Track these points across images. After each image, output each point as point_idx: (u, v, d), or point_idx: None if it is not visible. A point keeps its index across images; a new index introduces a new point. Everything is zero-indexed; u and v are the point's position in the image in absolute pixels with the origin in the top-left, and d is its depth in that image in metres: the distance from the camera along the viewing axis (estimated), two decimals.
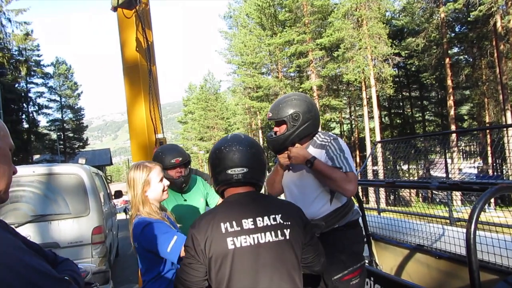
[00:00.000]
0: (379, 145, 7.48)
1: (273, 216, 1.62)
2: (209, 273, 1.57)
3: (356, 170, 2.64)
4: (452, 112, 29.05)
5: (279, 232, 1.60)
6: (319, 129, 2.58)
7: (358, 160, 36.01)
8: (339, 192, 2.36)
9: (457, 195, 5.55)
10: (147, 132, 5.18)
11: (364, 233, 3.80)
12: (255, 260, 1.56)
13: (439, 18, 28.71)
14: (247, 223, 1.59)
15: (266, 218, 1.61)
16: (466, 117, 36.48)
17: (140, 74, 5.13)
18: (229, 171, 1.68)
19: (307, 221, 1.74)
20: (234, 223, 1.58)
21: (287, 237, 1.61)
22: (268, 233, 1.59)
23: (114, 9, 4.78)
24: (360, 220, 2.89)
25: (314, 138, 2.51)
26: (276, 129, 2.52)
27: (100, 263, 5.09)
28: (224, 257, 1.53)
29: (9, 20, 38.72)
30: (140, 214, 2.16)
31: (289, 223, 1.63)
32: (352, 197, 2.73)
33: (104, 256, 5.29)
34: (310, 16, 33.71)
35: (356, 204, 3.42)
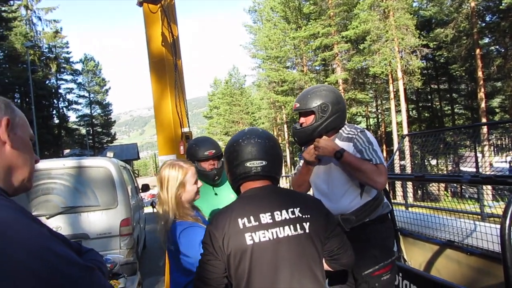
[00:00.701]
0: (406, 138, 7.33)
1: (292, 209, 1.58)
2: (229, 270, 1.54)
3: None
4: (483, 105, 28.14)
5: (298, 225, 1.56)
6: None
7: (385, 154, 35.46)
8: (369, 185, 2.31)
9: (488, 189, 5.39)
10: (173, 126, 5.23)
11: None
12: (275, 255, 1.52)
13: (469, 8, 27.82)
14: (265, 218, 1.55)
15: (284, 211, 1.57)
16: (497, 110, 35.23)
17: (166, 68, 5.17)
18: (247, 164, 1.65)
19: (327, 212, 1.69)
20: (251, 218, 1.54)
21: (307, 231, 1.56)
22: (287, 227, 1.55)
23: (140, 3, 4.83)
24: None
25: (340, 131, 2.46)
26: (302, 120, 2.47)
27: (128, 255, 5.19)
28: (243, 253, 1.50)
29: (39, 19, 39.93)
30: (175, 217, 2.12)
31: (308, 216, 1.59)
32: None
33: (132, 247, 5.39)
34: (335, 8, 33.26)
35: None
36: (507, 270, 1.94)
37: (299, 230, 1.55)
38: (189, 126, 5.07)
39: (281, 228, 1.54)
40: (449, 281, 2.81)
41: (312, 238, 1.57)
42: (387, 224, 2.51)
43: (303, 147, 2.57)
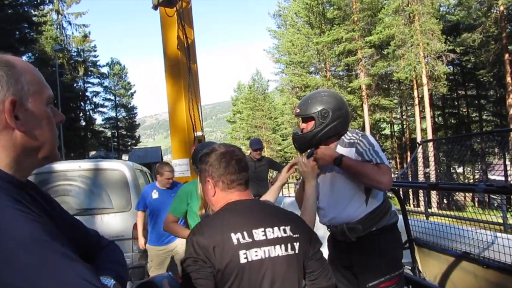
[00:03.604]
0: (430, 145, 7.09)
1: (284, 227, 1.49)
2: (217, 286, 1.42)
3: (398, 172, 2.48)
4: (511, 112, 27.39)
5: (289, 245, 1.47)
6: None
7: (409, 161, 34.71)
8: (373, 187, 2.23)
9: None
10: (187, 130, 5.23)
11: (406, 237, 3.62)
12: (264, 275, 1.42)
13: (497, 12, 27.15)
14: (258, 234, 1.44)
15: (276, 229, 1.48)
16: None
17: (181, 72, 5.20)
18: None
19: (313, 232, 1.63)
20: (245, 233, 1.42)
21: (297, 251, 1.48)
22: (278, 246, 1.45)
23: (155, 7, 4.88)
24: (400, 223, 2.73)
25: (342, 137, 2.39)
26: (303, 125, 2.42)
27: (140, 259, 5.18)
28: (236, 272, 1.39)
29: (69, 23, 41.15)
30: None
31: (298, 235, 1.50)
32: (390, 199, 2.58)
33: (144, 251, 5.38)
34: (359, 13, 32.97)
35: (396, 206, 3.24)
36: None
37: (289, 250, 1.47)
38: (202, 130, 5.06)
39: (273, 247, 1.45)
40: None
41: (299, 259, 1.50)
42: (395, 234, 2.41)
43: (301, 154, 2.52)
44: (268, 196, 2.29)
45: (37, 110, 0.89)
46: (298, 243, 1.49)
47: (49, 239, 0.74)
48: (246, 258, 1.40)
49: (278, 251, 1.45)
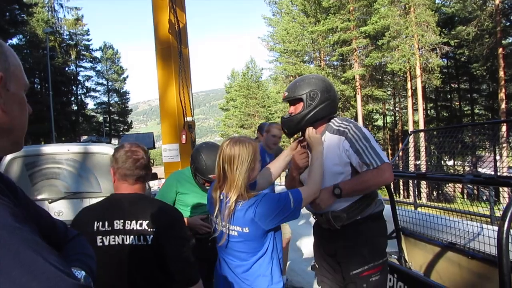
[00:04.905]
0: (421, 136, 7.12)
1: (141, 221, 1.78)
2: None
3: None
4: (503, 106, 27.56)
5: (141, 237, 1.77)
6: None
7: (400, 154, 34.87)
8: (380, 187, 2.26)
9: (505, 191, 5.23)
10: (177, 115, 5.19)
11: (393, 227, 3.63)
12: (119, 258, 1.76)
13: (493, 6, 27.15)
14: (118, 224, 1.79)
15: (134, 222, 1.78)
16: None
17: (172, 56, 5.14)
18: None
19: (172, 228, 1.83)
20: (106, 223, 1.80)
21: (149, 243, 1.76)
22: (132, 237, 1.77)
23: None
24: (387, 212, 2.73)
25: (330, 123, 2.35)
26: (291, 109, 2.38)
27: None
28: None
29: (61, 6, 40.50)
30: (242, 197, 1.92)
31: (153, 229, 1.77)
32: (378, 190, 2.56)
33: None
34: (355, 3, 32.85)
35: (383, 196, 3.24)
36: (503, 276, 1.83)
37: (142, 241, 1.77)
38: (192, 115, 5.02)
39: (128, 236, 1.77)
40: (444, 286, 2.70)
41: (153, 250, 1.76)
42: (379, 223, 2.40)
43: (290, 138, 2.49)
44: (272, 167, 2.43)
45: (18, 94, 0.88)
46: (151, 236, 1.77)
47: (20, 226, 0.68)
48: (102, 242, 1.78)
49: (131, 240, 1.77)
